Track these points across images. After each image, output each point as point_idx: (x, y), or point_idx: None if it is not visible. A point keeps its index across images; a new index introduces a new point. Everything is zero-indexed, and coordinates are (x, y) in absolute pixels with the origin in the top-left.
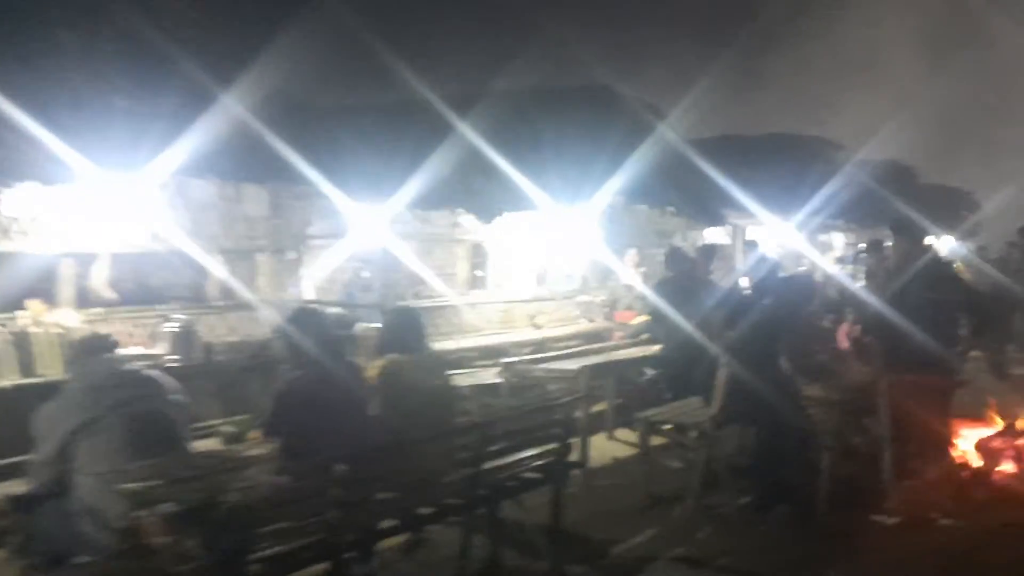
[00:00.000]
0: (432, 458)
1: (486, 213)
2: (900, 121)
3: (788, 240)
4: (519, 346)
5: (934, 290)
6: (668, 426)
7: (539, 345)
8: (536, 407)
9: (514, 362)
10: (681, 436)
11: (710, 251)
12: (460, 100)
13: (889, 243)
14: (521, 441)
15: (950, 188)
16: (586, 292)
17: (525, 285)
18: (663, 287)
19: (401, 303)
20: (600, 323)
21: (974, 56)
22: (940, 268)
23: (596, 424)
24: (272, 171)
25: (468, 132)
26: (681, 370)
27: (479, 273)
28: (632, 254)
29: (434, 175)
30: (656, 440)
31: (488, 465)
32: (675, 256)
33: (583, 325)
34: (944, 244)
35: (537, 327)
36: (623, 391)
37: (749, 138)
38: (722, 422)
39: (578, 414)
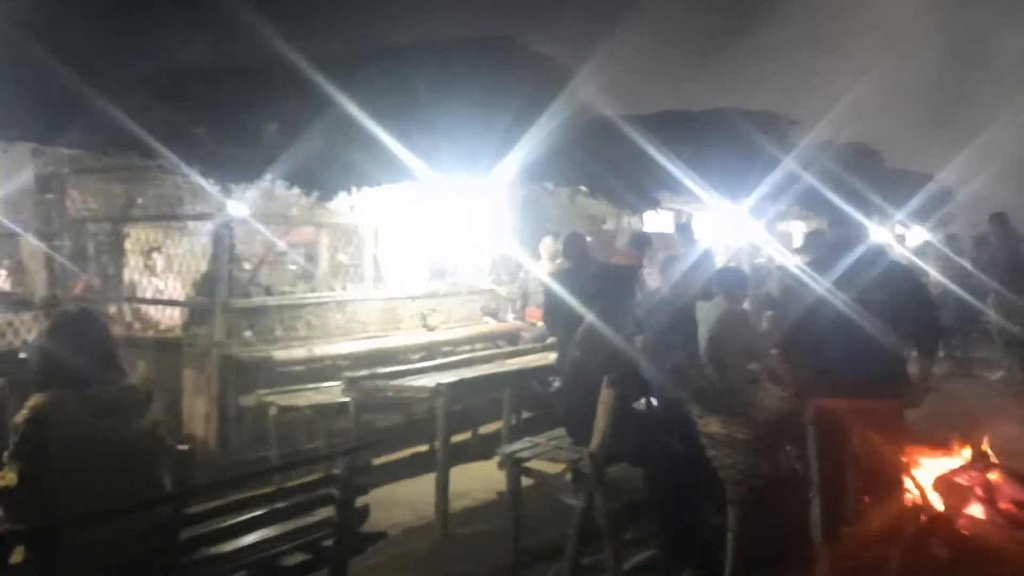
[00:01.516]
0: (94, 552)
1: (324, 189)
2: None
3: (741, 228)
4: (403, 352)
5: (882, 291)
6: (537, 465)
7: (429, 350)
8: (304, 459)
9: (359, 378)
10: (553, 478)
11: (642, 240)
12: (326, 59)
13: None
14: (264, 516)
15: (920, 174)
16: (497, 286)
17: (415, 278)
18: (554, 282)
19: (73, 306)
20: (510, 323)
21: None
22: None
23: (488, 448)
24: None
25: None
26: (573, 386)
27: (343, 259)
28: (547, 242)
29: (274, 143)
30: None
31: (195, 556)
32: (570, 244)
33: (487, 326)
34: (915, 235)
35: (429, 328)
36: (534, 404)
37: (692, 114)
38: (605, 461)
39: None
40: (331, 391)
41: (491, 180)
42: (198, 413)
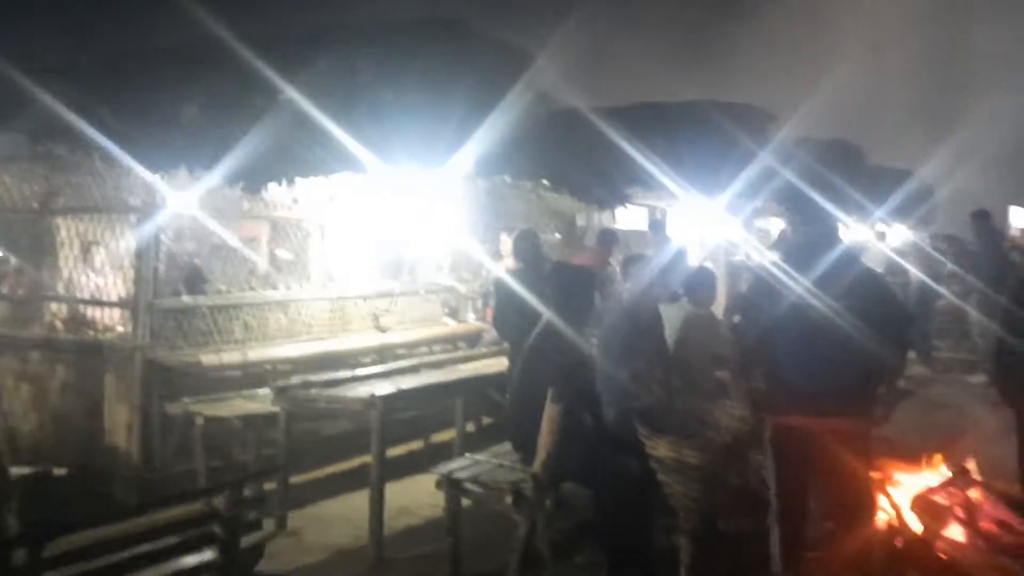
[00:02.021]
0: None
1: (253, 179)
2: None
3: (718, 225)
4: (352, 355)
5: (850, 297)
6: (475, 486)
7: (382, 353)
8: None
9: (289, 387)
10: (494, 499)
11: (608, 238)
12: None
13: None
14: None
15: (902, 171)
16: (458, 284)
17: (368, 276)
18: (501, 284)
19: None
20: (471, 324)
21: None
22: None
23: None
24: None
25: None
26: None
27: (286, 255)
28: (506, 239)
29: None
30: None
31: None
32: (521, 242)
33: (446, 327)
34: (896, 234)
35: (382, 330)
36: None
37: (667, 105)
38: (549, 482)
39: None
40: (266, 399)
41: (446, 172)
42: (120, 422)
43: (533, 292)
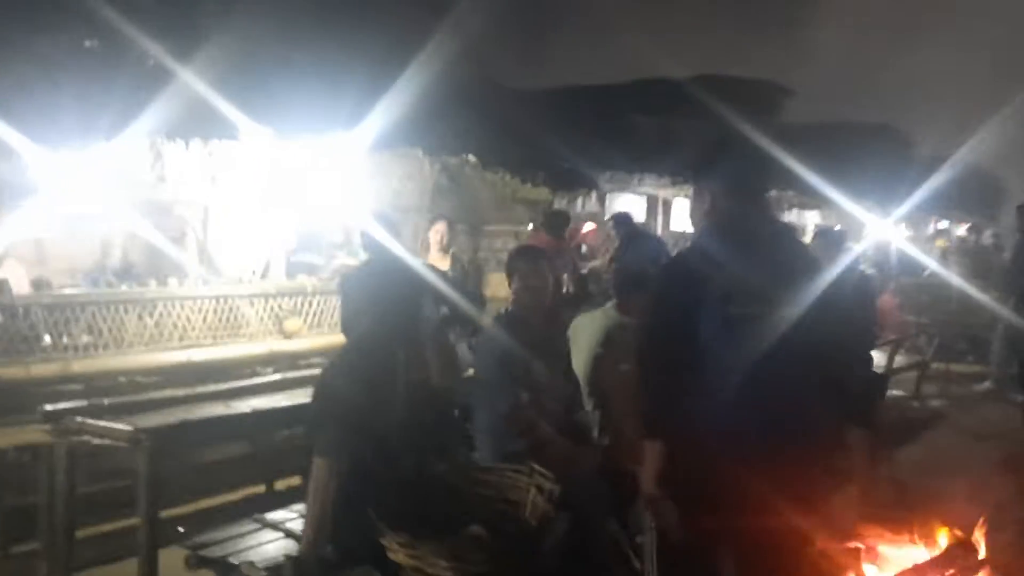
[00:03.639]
0: None
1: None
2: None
3: None
4: (244, 365)
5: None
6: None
7: (282, 362)
8: None
9: (64, 411)
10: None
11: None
12: None
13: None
14: None
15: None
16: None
17: (272, 272)
18: (346, 284)
19: None
20: None
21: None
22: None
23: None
24: None
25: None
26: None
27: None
28: (438, 228)
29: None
30: None
31: None
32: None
33: None
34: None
35: (287, 335)
36: None
37: (673, 82)
38: (317, 568)
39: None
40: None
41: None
42: None
43: (360, 294)
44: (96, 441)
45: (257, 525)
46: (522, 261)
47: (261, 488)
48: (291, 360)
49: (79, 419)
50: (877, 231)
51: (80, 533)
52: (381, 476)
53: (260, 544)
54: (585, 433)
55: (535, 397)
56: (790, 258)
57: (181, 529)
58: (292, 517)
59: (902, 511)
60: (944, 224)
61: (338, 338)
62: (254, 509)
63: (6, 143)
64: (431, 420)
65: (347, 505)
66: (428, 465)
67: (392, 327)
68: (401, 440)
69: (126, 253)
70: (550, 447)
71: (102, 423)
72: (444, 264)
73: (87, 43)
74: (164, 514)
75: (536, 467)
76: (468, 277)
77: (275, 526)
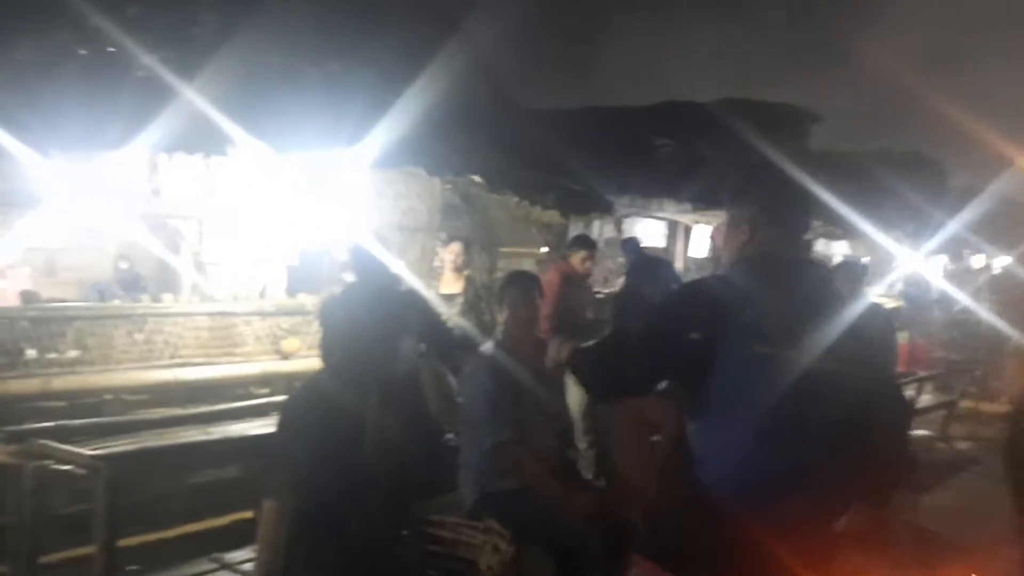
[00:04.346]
0: None
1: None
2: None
3: None
4: (238, 385)
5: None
6: None
7: (277, 383)
8: None
9: (26, 432)
10: None
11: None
12: None
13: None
14: None
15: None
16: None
17: (270, 289)
18: (325, 311)
19: None
20: None
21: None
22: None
23: None
24: None
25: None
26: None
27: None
28: (454, 249)
29: None
30: None
31: None
32: (360, 251)
33: None
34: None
35: (285, 355)
36: None
37: (697, 105)
38: None
39: None
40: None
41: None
42: None
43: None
44: (56, 466)
45: (214, 565)
46: (513, 289)
47: (244, 515)
48: (287, 381)
49: (41, 442)
50: (909, 263)
51: (52, 557)
52: (342, 524)
53: None
54: (578, 474)
55: (523, 434)
56: (819, 296)
57: (134, 568)
58: (252, 558)
59: (927, 566)
60: (980, 258)
61: None
62: (225, 541)
63: (9, 152)
64: (416, 459)
65: (304, 550)
66: (386, 524)
67: (364, 361)
68: (369, 483)
69: (134, 265)
70: (539, 489)
71: (64, 447)
72: (458, 286)
73: (81, 51)
74: (126, 543)
75: (493, 524)
76: (482, 300)
77: (232, 567)
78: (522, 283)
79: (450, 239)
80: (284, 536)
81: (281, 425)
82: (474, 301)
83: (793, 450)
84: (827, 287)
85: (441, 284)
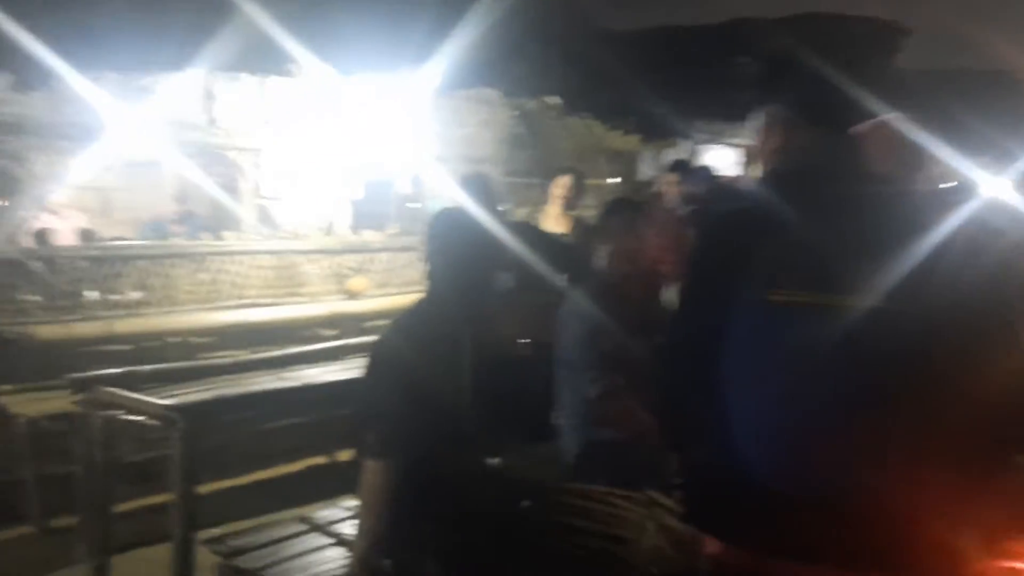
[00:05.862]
0: None
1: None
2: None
3: None
4: (303, 326)
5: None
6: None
7: (345, 324)
8: None
9: (92, 379)
10: None
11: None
12: None
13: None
14: None
15: None
16: None
17: (335, 225)
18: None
19: None
20: None
21: None
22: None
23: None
24: None
25: None
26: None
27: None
28: (562, 182)
29: None
30: None
31: None
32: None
33: None
34: None
35: (352, 294)
36: None
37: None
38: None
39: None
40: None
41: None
42: None
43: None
44: (127, 417)
45: (304, 527)
46: (615, 218)
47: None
48: (355, 322)
49: (110, 390)
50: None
51: (123, 507)
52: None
53: (304, 553)
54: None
55: (632, 381)
56: (892, 232)
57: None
58: (345, 517)
59: None
60: None
61: (406, 298)
62: (299, 489)
63: (60, 78)
64: (516, 401)
65: (408, 512)
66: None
67: (464, 288)
68: (475, 428)
69: (191, 203)
70: (651, 441)
71: (133, 396)
72: (562, 225)
73: None
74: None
75: (657, 496)
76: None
77: (324, 529)
78: (626, 211)
79: (560, 171)
80: (389, 495)
81: (372, 372)
82: (583, 245)
83: (839, 430)
84: (902, 221)
85: (542, 222)
